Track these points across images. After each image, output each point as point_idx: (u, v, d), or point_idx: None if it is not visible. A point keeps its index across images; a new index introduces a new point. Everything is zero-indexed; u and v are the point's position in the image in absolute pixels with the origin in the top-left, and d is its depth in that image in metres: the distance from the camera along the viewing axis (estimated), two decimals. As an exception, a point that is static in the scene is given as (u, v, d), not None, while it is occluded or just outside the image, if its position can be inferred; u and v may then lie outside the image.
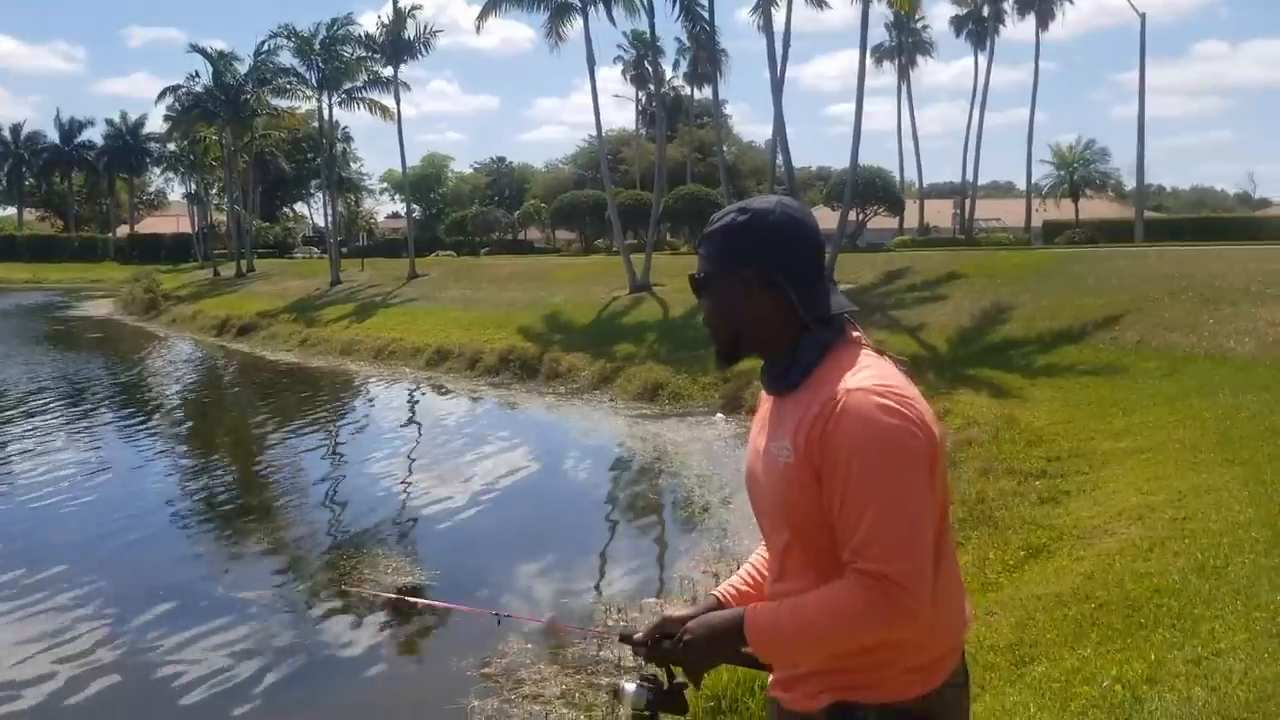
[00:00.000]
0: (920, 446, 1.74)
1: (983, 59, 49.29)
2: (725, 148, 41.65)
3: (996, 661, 4.37)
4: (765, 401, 2.00)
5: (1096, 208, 58.99)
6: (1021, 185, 59.93)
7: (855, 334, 1.90)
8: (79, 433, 15.31)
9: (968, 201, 49.98)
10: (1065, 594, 5.16)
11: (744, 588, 2.12)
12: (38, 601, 7.62)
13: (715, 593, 2.14)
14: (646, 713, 2.02)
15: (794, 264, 1.88)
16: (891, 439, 1.72)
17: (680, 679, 2.05)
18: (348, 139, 75.56)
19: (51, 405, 17.73)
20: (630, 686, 2.00)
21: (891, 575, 1.68)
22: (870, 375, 1.79)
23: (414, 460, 13.59)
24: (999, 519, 7.46)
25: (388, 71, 39.67)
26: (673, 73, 63.28)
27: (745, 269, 1.88)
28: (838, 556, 1.78)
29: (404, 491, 11.63)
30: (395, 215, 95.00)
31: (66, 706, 6.03)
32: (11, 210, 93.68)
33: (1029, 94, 50.70)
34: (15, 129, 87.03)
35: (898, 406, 1.74)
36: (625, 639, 2.10)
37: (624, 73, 63.72)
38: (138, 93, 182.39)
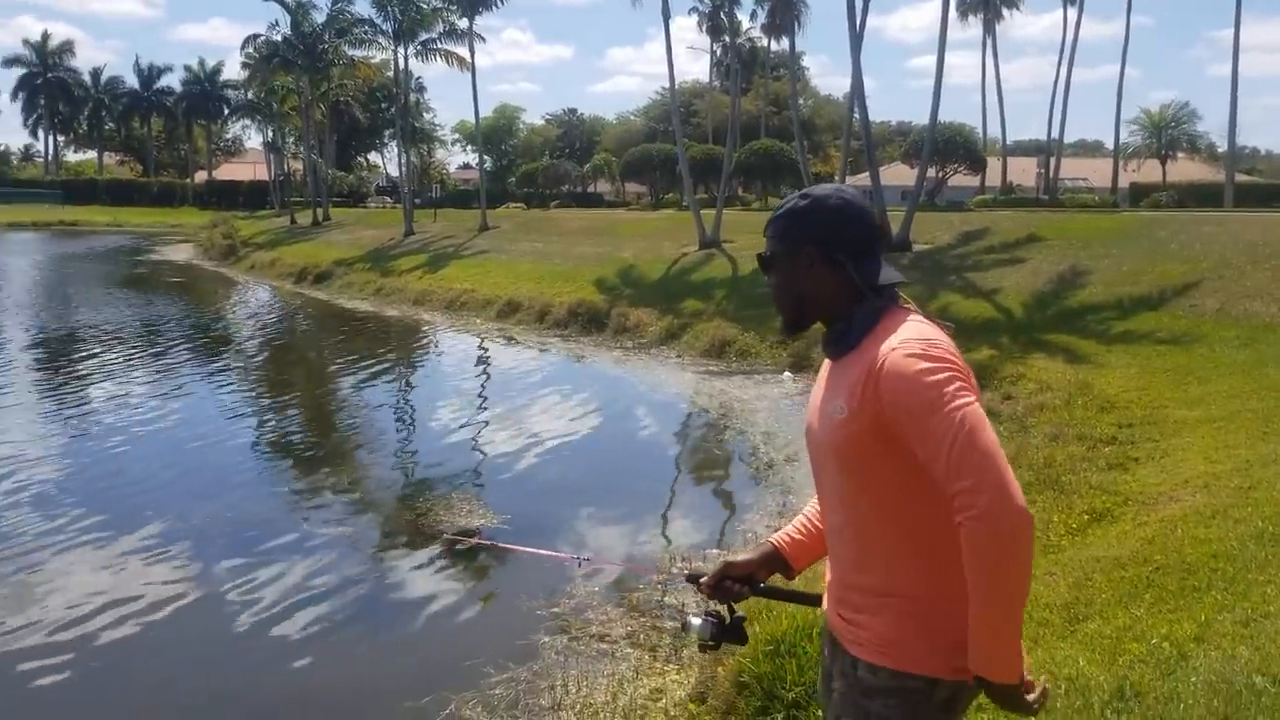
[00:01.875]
0: (961, 378, 1.91)
1: (1073, 12, 47.54)
2: (801, 101, 41.10)
3: (1051, 619, 4.49)
4: (825, 364, 2.20)
5: (1187, 169, 57.14)
6: (1110, 144, 58.23)
7: (906, 304, 2.11)
8: (163, 375, 15.92)
9: (1052, 160, 48.68)
10: (1124, 557, 5.24)
11: (798, 536, 2.39)
12: (120, 535, 7.97)
13: (772, 539, 2.39)
14: (710, 643, 2.28)
15: (850, 241, 2.10)
16: (933, 377, 1.90)
17: (740, 614, 2.30)
18: (421, 89, 76.21)
19: (137, 347, 18.46)
20: (696, 620, 2.25)
21: (978, 486, 1.82)
22: (911, 335, 1.98)
23: (484, 408, 13.93)
24: (1065, 483, 7.50)
25: (463, 22, 39.89)
26: (750, 23, 62.35)
27: (808, 246, 2.11)
28: (880, 493, 2.02)
29: (474, 438, 11.94)
30: (466, 166, 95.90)
31: (146, 634, 6.32)
32: (93, 154, 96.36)
33: (1120, 49, 49.07)
34: (95, 73, 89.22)
35: (936, 353, 1.94)
36: (692, 579, 2.37)
37: (699, 23, 62.78)
38: (216, 39, 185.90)
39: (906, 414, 1.91)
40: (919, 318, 2.07)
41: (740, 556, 2.38)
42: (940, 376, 1.90)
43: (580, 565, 2.66)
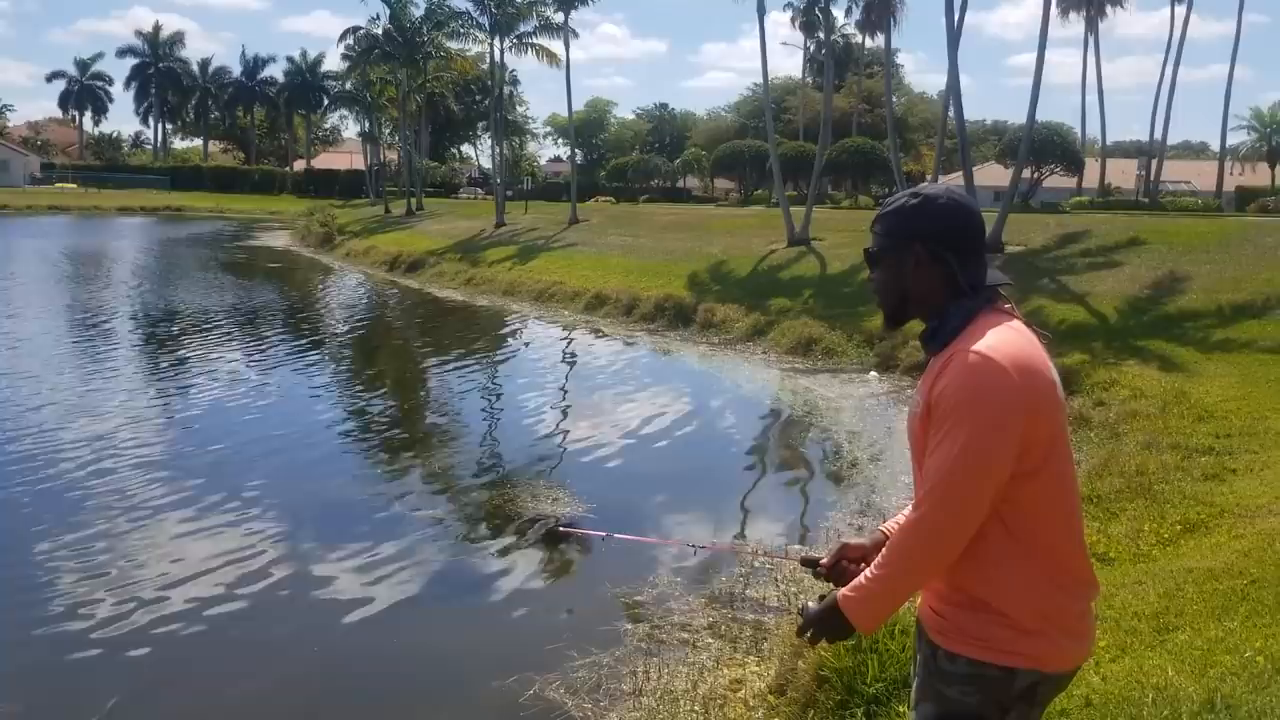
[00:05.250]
0: (1010, 409, 1.99)
1: (1180, 9, 45.98)
2: (895, 99, 40.49)
3: (1139, 628, 4.44)
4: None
5: (1297, 173, 54.75)
6: (1216, 146, 56.18)
7: (1006, 306, 2.16)
8: (260, 356, 16.45)
9: (1154, 162, 47.11)
10: (1218, 569, 5.13)
11: None
12: (211, 510, 8.18)
13: (882, 527, 2.45)
14: None
15: (956, 241, 2.16)
16: (979, 398, 1.99)
17: None
18: (515, 82, 77.15)
19: (236, 330, 19.15)
20: (813, 605, 2.31)
21: (929, 502, 2.05)
22: (991, 341, 2.04)
23: (569, 399, 14.12)
24: (1158, 492, 7.35)
25: (559, 17, 40.26)
26: (844, 19, 61.70)
27: (916, 244, 2.17)
28: None
29: (559, 428, 12.11)
30: (556, 159, 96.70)
31: (232, 607, 6.46)
32: (198, 142, 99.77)
33: (1230, 48, 47.28)
34: (204, 64, 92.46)
35: (1001, 367, 2.00)
36: (807, 563, 2.46)
37: (793, 19, 62.36)
38: (320, 30, 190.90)
39: (939, 410, 2.04)
40: (1013, 323, 2.11)
41: (855, 540, 2.46)
42: (988, 397, 1.99)
43: (695, 553, 2.94)
